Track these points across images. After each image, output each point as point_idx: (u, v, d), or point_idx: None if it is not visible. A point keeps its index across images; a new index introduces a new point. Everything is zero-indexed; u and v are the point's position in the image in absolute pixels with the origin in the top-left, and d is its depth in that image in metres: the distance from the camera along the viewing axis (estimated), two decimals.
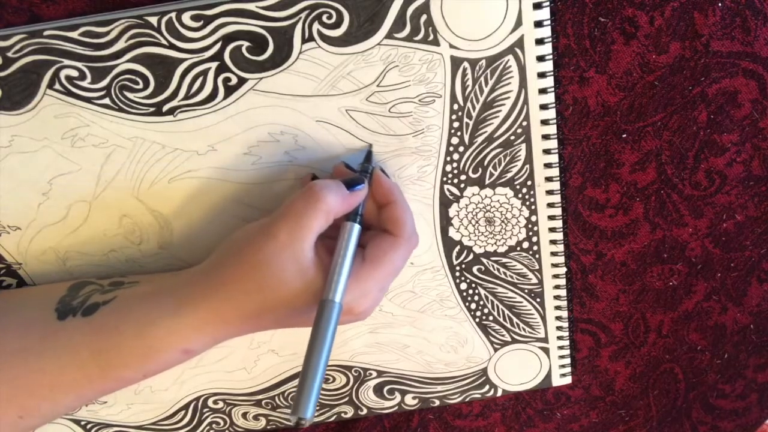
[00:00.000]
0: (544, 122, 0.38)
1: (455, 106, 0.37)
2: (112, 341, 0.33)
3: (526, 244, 0.42)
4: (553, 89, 0.37)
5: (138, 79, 0.35)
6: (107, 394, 0.35)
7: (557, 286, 0.44)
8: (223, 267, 0.33)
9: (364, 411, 0.49)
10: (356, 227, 0.34)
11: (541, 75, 0.36)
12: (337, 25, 0.34)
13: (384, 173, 0.37)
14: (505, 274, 0.44)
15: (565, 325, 0.46)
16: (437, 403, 0.49)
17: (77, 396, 0.34)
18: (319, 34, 0.34)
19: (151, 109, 0.36)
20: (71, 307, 0.36)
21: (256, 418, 0.48)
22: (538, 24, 0.35)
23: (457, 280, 0.44)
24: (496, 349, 0.47)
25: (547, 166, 0.39)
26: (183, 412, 0.47)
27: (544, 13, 0.35)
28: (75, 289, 0.37)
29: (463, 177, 0.40)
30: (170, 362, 0.34)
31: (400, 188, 0.38)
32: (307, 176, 0.38)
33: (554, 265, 0.43)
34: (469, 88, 0.37)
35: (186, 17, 0.33)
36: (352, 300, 0.33)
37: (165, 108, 0.36)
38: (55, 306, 0.36)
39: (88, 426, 0.47)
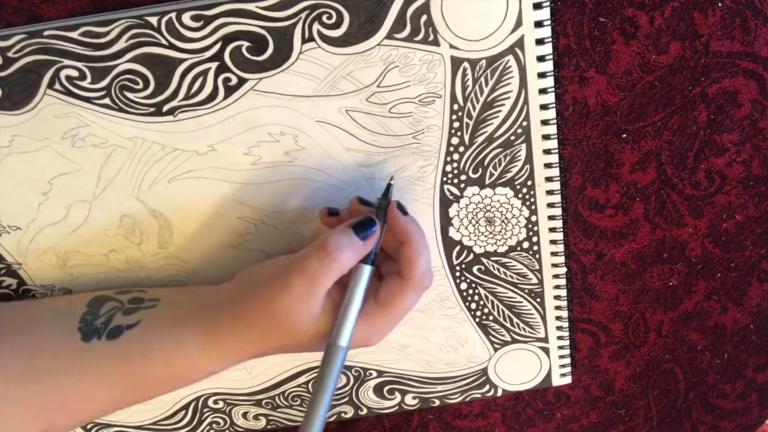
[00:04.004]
0: (544, 122, 0.38)
1: (455, 107, 0.37)
2: (140, 368, 0.35)
3: (526, 244, 0.42)
4: (553, 89, 0.37)
5: (138, 79, 0.35)
6: (136, 404, 0.37)
7: (557, 286, 0.44)
8: (243, 306, 0.35)
9: (364, 411, 0.49)
10: (366, 270, 0.35)
11: (541, 75, 0.36)
12: (337, 26, 0.34)
13: (401, 209, 0.36)
14: (505, 274, 0.44)
15: (565, 325, 0.46)
16: (437, 403, 0.49)
17: (103, 411, 0.36)
18: (319, 34, 0.34)
19: (151, 109, 0.36)
20: (95, 328, 0.36)
21: (256, 418, 0.48)
22: (538, 24, 0.35)
23: (457, 280, 0.44)
24: (496, 349, 0.47)
25: (547, 166, 0.39)
26: (183, 412, 0.47)
27: (544, 13, 0.35)
28: (95, 306, 0.38)
29: (463, 177, 0.40)
30: (195, 381, 0.36)
31: (417, 227, 0.36)
32: (323, 210, 0.38)
33: (554, 265, 0.43)
34: (469, 89, 0.37)
35: (186, 17, 0.33)
36: (365, 338, 0.35)
37: (165, 108, 0.36)
38: (78, 325, 0.37)
39: (88, 426, 0.47)
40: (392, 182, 0.37)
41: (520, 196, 0.40)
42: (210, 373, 0.36)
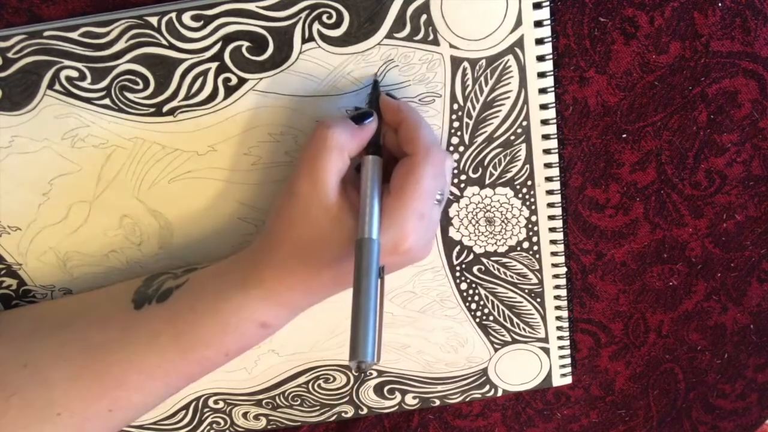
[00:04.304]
0: (544, 122, 0.38)
1: (455, 106, 0.37)
2: (189, 322, 0.34)
3: (526, 244, 0.42)
4: (553, 89, 0.37)
5: (138, 80, 0.35)
6: (195, 380, 0.36)
7: (557, 286, 0.44)
8: (270, 234, 0.34)
9: (365, 410, 0.49)
10: (372, 158, 0.33)
11: (541, 75, 0.36)
12: (337, 25, 0.34)
13: (391, 97, 0.35)
14: (505, 274, 0.44)
15: (565, 325, 0.46)
16: (437, 402, 0.49)
17: (164, 384, 0.35)
18: (319, 34, 0.34)
19: (152, 110, 0.36)
20: (147, 296, 0.36)
21: (256, 417, 0.48)
22: (538, 24, 0.35)
23: (458, 280, 0.44)
24: (496, 349, 0.47)
25: (547, 166, 0.39)
26: (183, 412, 0.47)
27: (544, 13, 0.35)
28: (150, 280, 0.38)
29: (463, 177, 0.40)
30: (248, 338, 0.34)
31: (410, 106, 0.35)
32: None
33: (554, 265, 0.43)
34: (469, 88, 0.37)
35: (186, 17, 0.33)
36: (391, 238, 0.32)
37: (165, 108, 0.36)
38: (132, 297, 0.37)
39: None
40: (378, 78, 0.36)
41: (520, 196, 0.40)
42: (261, 323, 0.34)
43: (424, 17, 0.34)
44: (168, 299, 0.35)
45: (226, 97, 0.36)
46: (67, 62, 0.34)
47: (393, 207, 0.32)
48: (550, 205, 0.41)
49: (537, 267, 0.43)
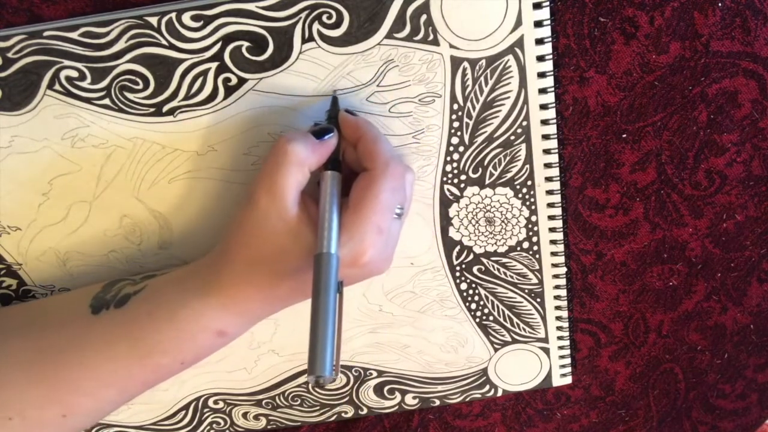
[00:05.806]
0: (544, 122, 0.38)
1: (455, 106, 0.37)
2: (147, 328, 0.34)
3: (526, 244, 0.42)
4: (553, 89, 0.37)
5: (138, 80, 0.35)
6: (150, 387, 0.36)
7: (557, 286, 0.44)
8: (230, 243, 0.34)
9: (365, 411, 0.49)
10: (331, 173, 0.33)
11: (541, 75, 0.36)
12: (337, 25, 0.34)
13: (350, 113, 0.36)
14: (505, 274, 0.44)
15: (565, 325, 0.46)
16: (437, 402, 0.49)
17: (119, 390, 0.35)
18: (319, 34, 0.34)
19: (151, 110, 0.36)
20: (105, 301, 0.36)
21: (256, 418, 0.48)
22: (538, 24, 0.35)
23: (458, 280, 0.44)
24: (496, 349, 0.47)
25: (547, 166, 0.39)
26: (183, 412, 0.47)
27: (544, 13, 0.35)
28: (109, 285, 0.38)
29: (463, 177, 0.40)
30: (205, 346, 0.34)
31: (369, 122, 0.35)
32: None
33: (554, 265, 0.43)
34: (469, 88, 0.37)
35: (186, 17, 0.33)
36: (350, 251, 0.32)
37: (165, 108, 0.36)
38: (90, 302, 0.36)
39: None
40: (336, 94, 0.36)
41: (520, 196, 0.40)
42: (219, 331, 0.34)
43: (424, 17, 0.34)
44: (125, 305, 0.35)
45: (226, 97, 0.36)
46: (67, 62, 0.34)
47: (352, 221, 0.32)
48: (550, 205, 0.41)
49: (537, 267, 0.43)
